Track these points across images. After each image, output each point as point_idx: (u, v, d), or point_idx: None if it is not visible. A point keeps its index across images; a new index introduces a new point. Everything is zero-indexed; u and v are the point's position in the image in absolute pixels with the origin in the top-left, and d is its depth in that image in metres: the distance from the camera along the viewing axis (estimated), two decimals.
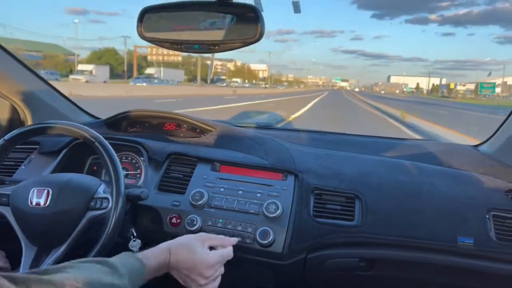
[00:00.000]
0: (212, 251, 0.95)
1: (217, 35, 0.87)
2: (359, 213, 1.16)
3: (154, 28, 0.94)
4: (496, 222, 1.13)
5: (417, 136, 8.93)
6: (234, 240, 1.04)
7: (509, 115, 1.39)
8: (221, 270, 0.96)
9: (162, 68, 56.76)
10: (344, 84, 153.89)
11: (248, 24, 0.84)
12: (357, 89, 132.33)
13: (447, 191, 1.20)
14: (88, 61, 57.51)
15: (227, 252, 0.98)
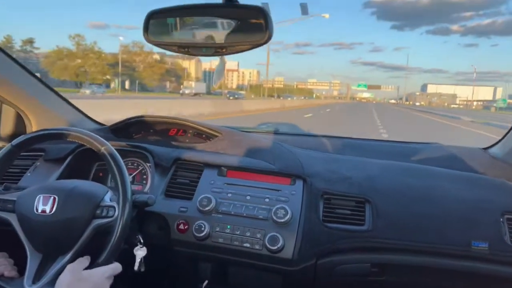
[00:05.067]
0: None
1: (225, 37, 0.86)
2: (369, 218, 1.14)
3: (160, 32, 0.94)
4: (511, 225, 1.11)
5: None
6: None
7: None
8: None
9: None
10: (367, 95, 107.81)
11: (256, 26, 0.83)
12: (393, 101, 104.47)
13: (459, 195, 1.18)
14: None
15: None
